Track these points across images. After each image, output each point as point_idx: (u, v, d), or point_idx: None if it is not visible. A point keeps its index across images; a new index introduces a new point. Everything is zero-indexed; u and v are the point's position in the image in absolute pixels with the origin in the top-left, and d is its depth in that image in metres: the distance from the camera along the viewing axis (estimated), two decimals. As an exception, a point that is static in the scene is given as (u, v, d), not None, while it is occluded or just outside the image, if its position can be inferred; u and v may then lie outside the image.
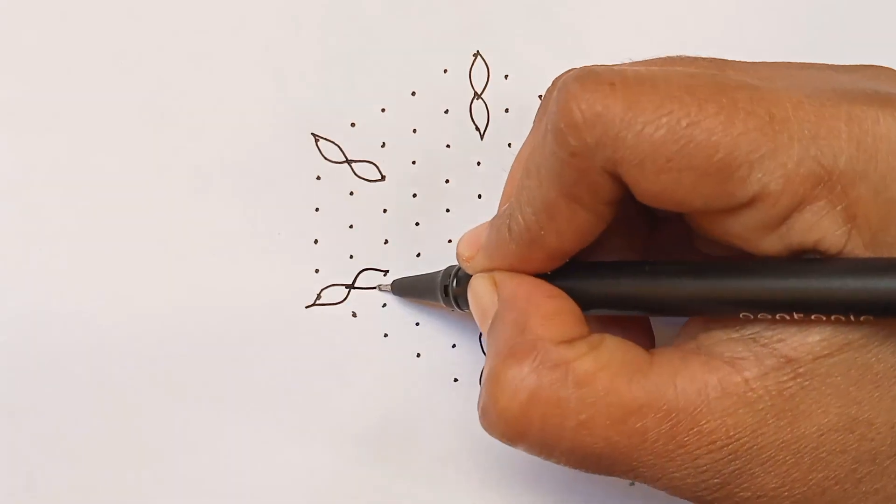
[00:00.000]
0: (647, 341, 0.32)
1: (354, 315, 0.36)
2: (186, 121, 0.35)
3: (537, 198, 0.27)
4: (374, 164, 0.36)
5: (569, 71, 0.28)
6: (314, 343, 0.36)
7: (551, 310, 0.28)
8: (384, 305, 0.36)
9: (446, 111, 0.36)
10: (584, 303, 0.29)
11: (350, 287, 0.36)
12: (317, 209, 0.36)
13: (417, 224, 0.36)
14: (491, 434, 0.27)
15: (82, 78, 0.34)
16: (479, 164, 0.37)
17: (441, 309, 0.36)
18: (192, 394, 0.35)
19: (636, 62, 0.30)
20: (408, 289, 0.36)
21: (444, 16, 0.36)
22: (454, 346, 0.37)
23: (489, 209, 0.37)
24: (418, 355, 0.37)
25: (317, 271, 0.36)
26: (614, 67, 0.26)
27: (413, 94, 0.36)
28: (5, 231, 0.34)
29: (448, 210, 0.37)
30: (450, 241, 0.37)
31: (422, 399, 0.37)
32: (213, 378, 0.35)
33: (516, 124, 0.37)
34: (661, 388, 0.26)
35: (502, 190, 0.33)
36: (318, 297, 0.36)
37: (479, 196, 0.37)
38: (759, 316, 0.25)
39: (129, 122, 0.34)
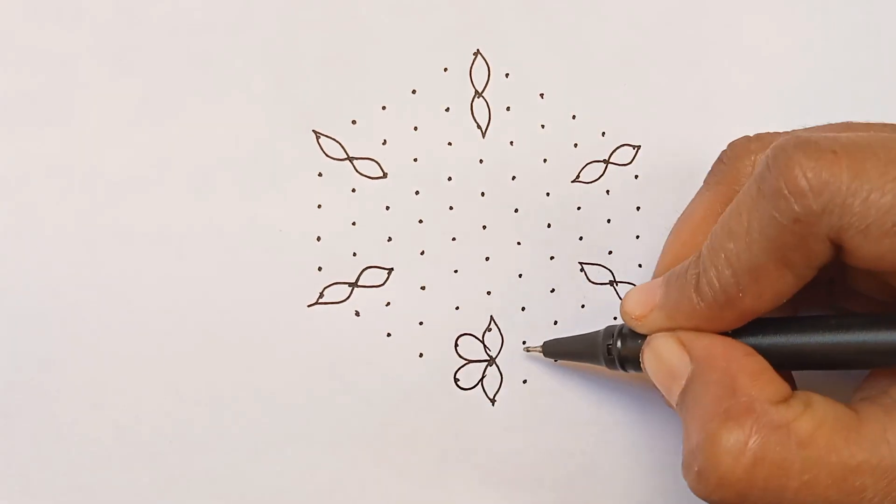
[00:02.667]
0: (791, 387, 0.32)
1: (357, 314, 0.36)
2: (188, 118, 0.34)
3: (743, 260, 0.28)
4: (376, 162, 0.36)
5: (779, 138, 0.29)
6: (316, 342, 0.35)
7: (756, 368, 0.28)
8: (387, 304, 0.36)
9: (447, 109, 0.36)
10: (773, 361, 0.29)
11: (353, 285, 0.36)
12: (319, 206, 0.35)
13: (421, 221, 0.36)
14: (705, 496, 0.28)
15: (82, 76, 0.34)
16: (481, 161, 0.37)
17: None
18: (192, 394, 0.35)
19: (808, 128, 0.31)
20: (561, 351, 0.36)
21: (444, 15, 0.36)
22: (456, 346, 0.37)
23: (492, 207, 0.37)
24: (421, 355, 0.36)
25: (319, 269, 0.35)
26: (828, 135, 0.27)
27: (414, 92, 0.36)
28: (4, 230, 0.33)
29: (451, 208, 0.36)
30: (454, 238, 0.36)
31: (423, 399, 0.36)
32: (214, 377, 0.35)
33: (518, 123, 0.37)
34: (876, 444, 0.26)
35: (662, 249, 0.34)
36: (321, 295, 0.36)
37: (483, 194, 0.37)
38: None
39: (130, 120, 0.34)
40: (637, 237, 0.38)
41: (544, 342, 0.37)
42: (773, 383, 0.28)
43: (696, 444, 0.28)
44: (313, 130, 0.35)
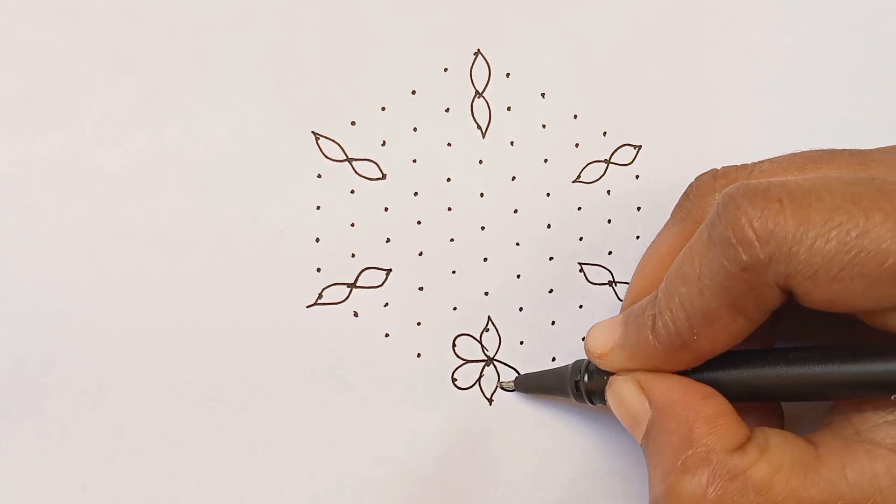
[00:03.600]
0: (778, 419, 0.33)
1: (356, 314, 0.36)
2: (186, 119, 0.34)
3: (696, 306, 0.28)
4: (375, 163, 0.36)
5: (734, 182, 0.30)
6: (315, 342, 0.36)
7: (712, 413, 0.29)
8: (386, 305, 0.36)
9: (447, 110, 0.36)
10: (731, 395, 0.29)
11: (352, 286, 0.36)
12: (318, 207, 0.35)
13: (419, 223, 0.36)
14: None
15: (82, 76, 0.34)
16: (480, 162, 0.37)
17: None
18: (192, 394, 0.35)
19: (775, 159, 0.31)
20: (533, 385, 0.37)
21: (444, 14, 0.36)
22: (454, 346, 0.37)
23: (491, 208, 0.37)
24: (419, 355, 0.36)
25: (318, 270, 0.36)
26: (775, 181, 0.27)
27: (413, 92, 0.36)
28: (4, 230, 0.34)
29: (450, 209, 0.36)
30: (452, 240, 0.36)
31: (421, 398, 0.37)
32: (213, 378, 0.35)
33: (518, 123, 0.37)
34: (833, 483, 0.27)
35: (630, 282, 0.35)
36: (320, 296, 0.36)
37: (482, 195, 0.37)
38: None
39: (129, 120, 0.34)
40: (637, 237, 0.38)
41: (516, 377, 0.37)
42: (730, 429, 0.28)
43: (659, 493, 0.28)
44: (312, 132, 0.35)
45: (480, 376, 0.37)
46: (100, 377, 0.34)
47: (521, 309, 0.37)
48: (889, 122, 0.38)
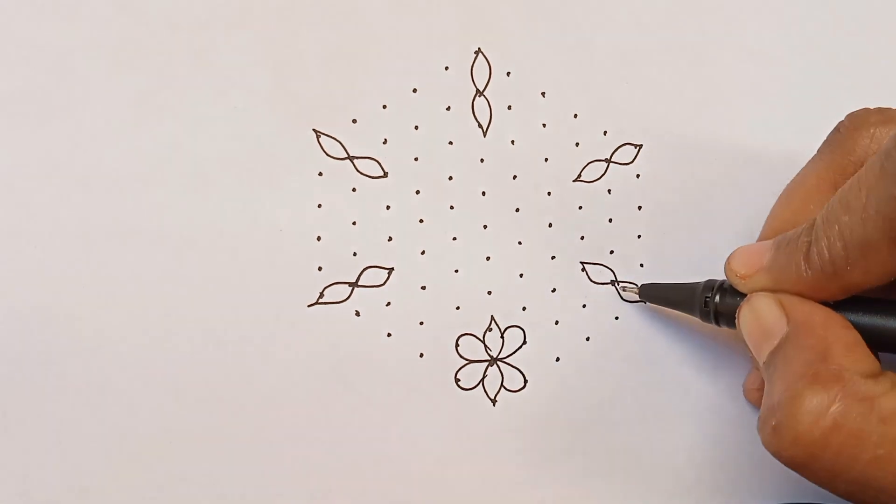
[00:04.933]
0: None
1: (357, 314, 0.36)
2: (187, 117, 0.34)
3: (856, 235, 0.28)
4: (377, 161, 0.36)
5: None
6: (317, 342, 0.35)
7: (851, 340, 0.29)
8: (388, 304, 0.36)
9: (448, 108, 0.36)
10: (867, 340, 0.29)
11: (353, 285, 0.36)
12: (319, 205, 0.35)
13: (421, 221, 0.36)
14: (776, 451, 0.28)
15: (82, 73, 0.34)
16: (482, 161, 0.36)
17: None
18: (192, 394, 0.35)
19: None
20: (658, 296, 0.37)
21: (445, 13, 0.36)
22: (457, 345, 0.37)
23: (493, 206, 0.36)
24: (421, 355, 0.36)
25: (319, 269, 0.35)
26: None
27: (414, 90, 0.36)
28: (3, 229, 0.33)
29: (451, 207, 0.36)
30: (454, 238, 0.36)
31: (424, 399, 0.36)
32: (214, 377, 0.35)
33: (519, 121, 0.37)
34: None
35: (770, 212, 0.34)
36: (321, 295, 0.35)
37: (483, 193, 0.36)
38: None
39: (130, 117, 0.34)
40: (638, 237, 0.38)
41: (641, 284, 0.37)
42: (865, 358, 0.28)
43: (778, 401, 0.28)
44: (314, 129, 0.35)
45: (484, 377, 0.37)
46: (100, 377, 0.34)
47: (524, 308, 0.37)
48: None
